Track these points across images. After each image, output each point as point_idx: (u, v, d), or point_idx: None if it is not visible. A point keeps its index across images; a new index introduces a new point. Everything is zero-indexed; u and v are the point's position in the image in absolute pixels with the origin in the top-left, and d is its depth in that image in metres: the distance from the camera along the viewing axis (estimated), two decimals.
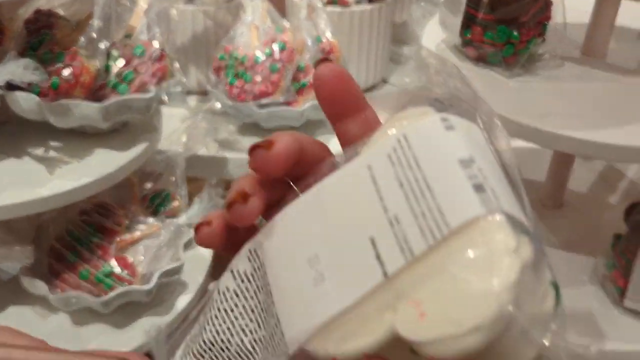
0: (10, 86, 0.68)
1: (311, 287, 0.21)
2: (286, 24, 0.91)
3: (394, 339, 0.20)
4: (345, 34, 0.99)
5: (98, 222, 0.79)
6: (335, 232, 0.22)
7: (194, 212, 0.85)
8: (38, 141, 0.74)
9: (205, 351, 0.25)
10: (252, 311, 0.24)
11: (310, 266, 0.22)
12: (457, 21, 0.79)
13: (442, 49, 0.81)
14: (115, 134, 0.77)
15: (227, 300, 0.25)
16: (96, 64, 0.70)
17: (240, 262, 0.25)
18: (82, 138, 0.75)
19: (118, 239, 0.77)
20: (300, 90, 0.89)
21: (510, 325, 0.18)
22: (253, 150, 0.24)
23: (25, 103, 0.68)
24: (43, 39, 0.71)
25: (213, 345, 0.25)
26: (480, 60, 0.79)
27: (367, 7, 1.01)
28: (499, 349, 0.19)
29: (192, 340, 0.25)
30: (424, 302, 0.19)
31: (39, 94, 0.68)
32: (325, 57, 0.26)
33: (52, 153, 0.73)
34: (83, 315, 0.77)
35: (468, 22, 0.78)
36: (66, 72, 0.68)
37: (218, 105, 0.92)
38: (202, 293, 0.84)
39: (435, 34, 0.85)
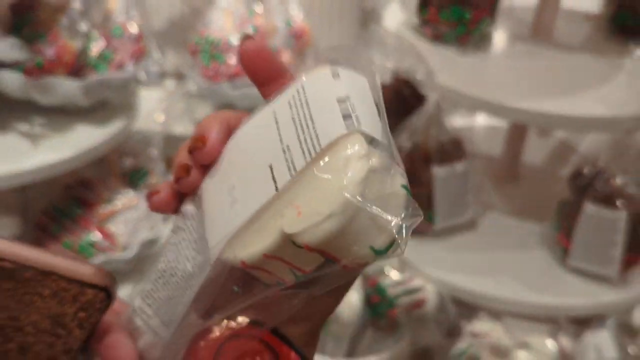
0: None
1: (228, 210, 0.27)
2: (258, 8, 0.95)
3: (283, 239, 0.25)
4: (315, 18, 1.04)
5: (81, 196, 0.84)
6: (246, 165, 0.27)
7: None
8: (22, 118, 0.78)
9: (159, 277, 0.31)
10: (195, 242, 0.29)
11: (229, 194, 0.27)
12: (416, 2, 0.85)
13: (402, 30, 0.87)
14: (95, 112, 0.81)
15: (176, 235, 0.30)
16: (77, 44, 0.75)
17: (188, 204, 0.30)
18: (64, 115, 0.79)
19: (99, 211, 0.82)
20: None
21: (358, 212, 0.24)
22: (192, 152, 0.29)
23: (11, 81, 0.72)
24: (26, 21, 0.75)
25: (164, 272, 0.30)
26: (437, 39, 0.84)
27: None
28: (354, 233, 0.24)
29: (149, 276, 0.32)
30: (301, 204, 0.25)
31: (23, 72, 0.72)
32: (248, 35, 0.31)
33: (36, 129, 0.77)
34: None
35: (425, 3, 0.83)
36: (50, 51, 0.73)
37: (194, 87, 0.96)
38: None
39: (397, 15, 0.91)
